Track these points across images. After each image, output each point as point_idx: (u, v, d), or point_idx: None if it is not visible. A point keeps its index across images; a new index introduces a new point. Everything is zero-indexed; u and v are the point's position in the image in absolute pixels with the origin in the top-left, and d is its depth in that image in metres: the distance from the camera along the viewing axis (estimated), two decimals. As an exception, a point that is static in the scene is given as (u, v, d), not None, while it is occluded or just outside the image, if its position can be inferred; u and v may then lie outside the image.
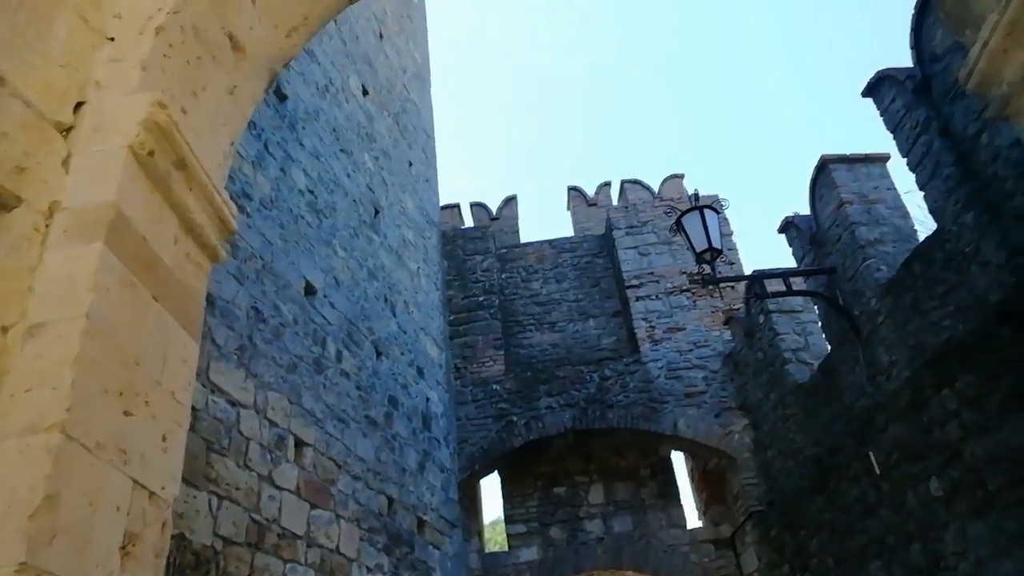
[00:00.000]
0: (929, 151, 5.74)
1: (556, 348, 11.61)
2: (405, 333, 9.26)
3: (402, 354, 8.97)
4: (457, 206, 13.54)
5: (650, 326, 10.98)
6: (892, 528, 6.21)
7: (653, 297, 11.24)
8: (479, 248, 12.08)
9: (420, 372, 9.42)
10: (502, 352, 11.03)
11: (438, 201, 12.45)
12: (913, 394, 5.73)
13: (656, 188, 12.66)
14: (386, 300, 8.89)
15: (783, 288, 7.68)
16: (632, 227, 11.96)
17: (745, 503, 9.59)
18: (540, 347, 11.75)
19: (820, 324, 7.94)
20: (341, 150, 8.40)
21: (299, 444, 6.07)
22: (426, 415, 9.27)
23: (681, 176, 12.78)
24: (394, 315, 9.02)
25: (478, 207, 13.74)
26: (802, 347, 8.86)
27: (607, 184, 13.93)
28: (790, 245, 8.36)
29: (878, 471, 6.35)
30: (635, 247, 11.76)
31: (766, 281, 7.75)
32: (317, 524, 6.04)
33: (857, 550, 6.80)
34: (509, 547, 10.22)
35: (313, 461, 6.22)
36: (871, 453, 6.42)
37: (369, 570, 6.84)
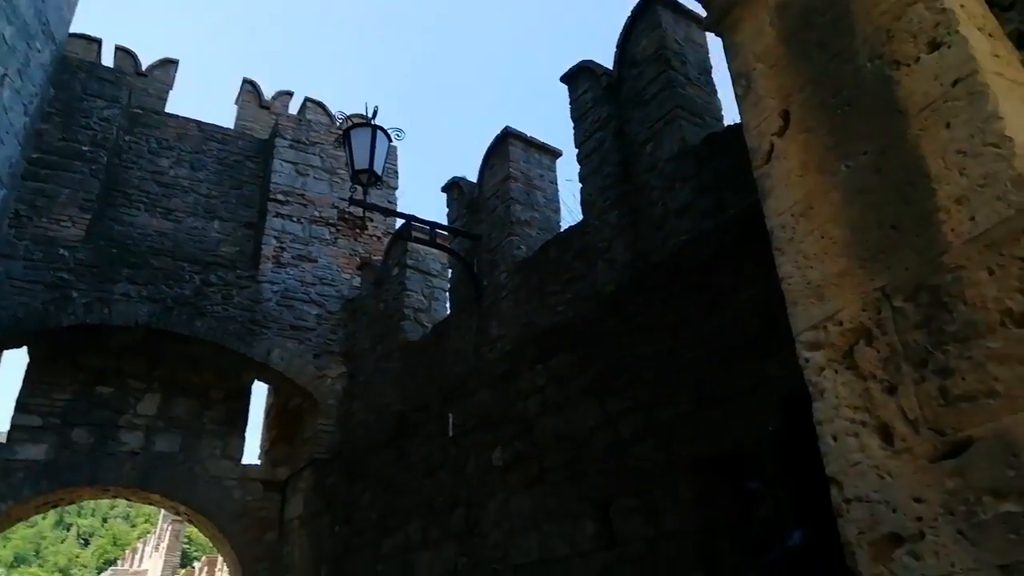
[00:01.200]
0: (600, 147, 5.97)
1: (163, 238, 9.86)
2: (-45, 132, 6.87)
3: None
4: (99, 42, 10.95)
5: (280, 246, 9.97)
6: (445, 490, 6.21)
7: (295, 219, 10.27)
8: (106, 92, 9.78)
9: (-41, 190, 7.07)
10: (88, 217, 8.95)
11: (70, 18, 9.87)
12: (509, 364, 5.81)
13: (339, 119, 11.74)
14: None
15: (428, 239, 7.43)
16: (299, 142, 10.86)
17: (313, 449, 9.08)
18: (143, 230, 9.86)
19: (448, 288, 7.87)
20: None
21: None
22: (-53, 245, 6.96)
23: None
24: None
25: (125, 53, 11.30)
26: (424, 308, 8.76)
27: (289, 93, 12.61)
28: (448, 206, 8.21)
29: (451, 433, 6.34)
30: (294, 163, 10.68)
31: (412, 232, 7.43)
32: None
33: (405, 508, 6.71)
34: (8, 440, 8.15)
35: None
36: (451, 415, 6.40)
37: None
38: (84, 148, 9.22)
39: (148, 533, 40.27)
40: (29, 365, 8.63)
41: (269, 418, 10.32)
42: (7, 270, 8.14)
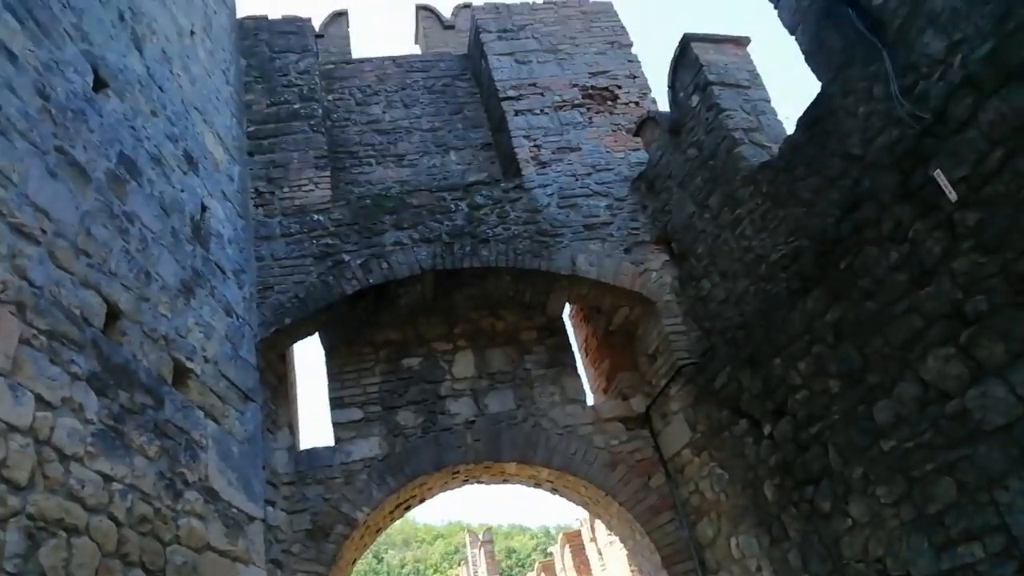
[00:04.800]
0: None
1: (405, 185, 8.41)
2: (163, 91, 5.68)
3: (154, 113, 5.40)
4: (265, 18, 9.88)
5: (535, 145, 8.11)
6: (980, 280, 3.75)
7: (537, 111, 8.38)
8: (293, 44, 8.57)
9: (191, 161, 5.88)
10: (327, 174, 7.67)
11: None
12: None
13: (534, -1, 9.73)
14: (122, 18, 5.26)
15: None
16: (506, 31, 9.01)
17: (669, 359, 7.01)
18: (383, 184, 8.50)
19: (806, 55, 5.39)
20: None
21: None
22: (201, 227, 5.78)
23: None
24: (139, 50, 5.41)
25: (292, 21, 10.15)
26: (755, 127, 6.38)
27: (468, 5, 10.87)
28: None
29: (953, 197, 3.86)
30: (511, 53, 8.82)
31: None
32: None
33: (898, 346, 4.32)
34: (337, 440, 6.93)
35: None
36: (938, 172, 3.92)
37: (45, 402, 3.36)
38: (296, 106, 8.01)
39: (460, 562, 41.31)
40: (327, 356, 7.43)
41: (589, 353, 8.45)
42: (272, 252, 6.97)
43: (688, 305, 7.06)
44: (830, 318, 4.86)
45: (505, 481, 7.63)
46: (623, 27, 9.23)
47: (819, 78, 5.25)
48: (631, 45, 9.09)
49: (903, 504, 4.42)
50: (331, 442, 6.93)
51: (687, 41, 6.69)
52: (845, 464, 4.84)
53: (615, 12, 9.34)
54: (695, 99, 6.71)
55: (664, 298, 7.17)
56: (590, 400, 7.82)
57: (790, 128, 5.92)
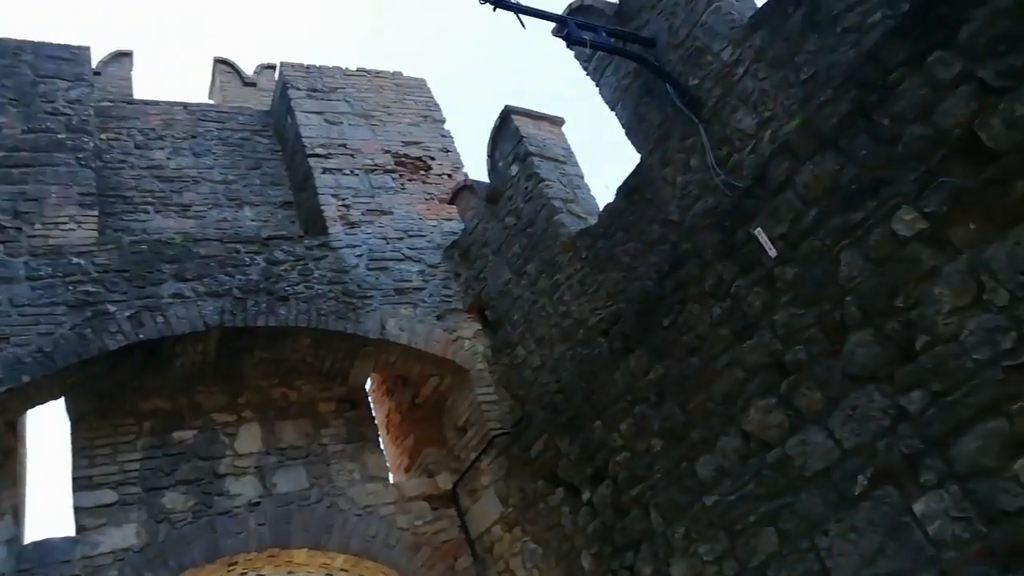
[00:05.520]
0: None
1: (190, 236, 7.44)
2: None
3: None
4: (30, 41, 8.57)
5: (343, 205, 7.67)
6: (798, 331, 3.98)
7: (347, 172, 8.00)
8: (65, 72, 7.44)
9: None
10: (95, 214, 6.55)
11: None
12: (876, 71, 3.62)
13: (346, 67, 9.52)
14: None
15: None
16: (316, 90, 8.64)
17: (480, 430, 6.70)
18: (161, 235, 7.45)
19: (626, 129, 5.68)
20: None
21: None
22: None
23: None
24: None
25: (65, 47, 8.92)
26: (572, 199, 6.58)
27: (272, 67, 10.35)
28: (570, 49, 6.06)
29: (773, 253, 4.13)
30: (320, 112, 8.44)
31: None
32: None
33: (721, 400, 4.42)
34: (79, 529, 5.54)
35: None
36: (759, 230, 4.19)
37: None
38: (60, 136, 6.86)
39: None
40: (74, 427, 6.06)
41: (396, 426, 7.87)
42: (10, 298, 5.65)
43: (501, 373, 6.88)
44: (653, 376, 4.91)
45: (291, 573, 6.62)
46: (436, 103, 9.31)
47: (638, 150, 5.55)
48: (444, 121, 9.17)
49: (726, 560, 4.41)
50: (72, 532, 5.52)
51: (508, 113, 6.83)
52: (667, 524, 4.78)
53: (428, 89, 9.43)
54: (514, 168, 6.79)
55: (477, 366, 6.92)
56: (393, 478, 7.18)
57: (603, 201, 6.19)
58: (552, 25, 5.51)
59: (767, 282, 4.16)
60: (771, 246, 4.15)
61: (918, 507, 3.47)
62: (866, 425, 3.67)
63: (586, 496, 5.45)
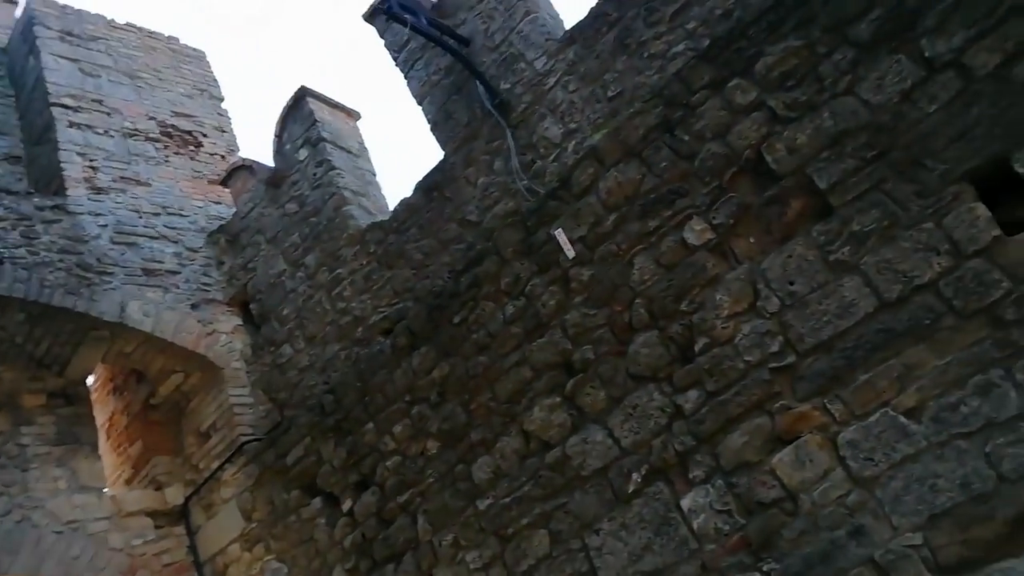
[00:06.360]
0: None
1: None
2: None
3: None
4: None
5: (90, 166, 6.56)
6: (588, 331, 4.03)
7: (100, 131, 6.89)
8: None
9: None
10: None
11: None
12: (682, 90, 3.86)
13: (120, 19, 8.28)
14: None
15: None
16: (72, 34, 7.40)
17: (229, 435, 5.93)
18: None
19: (432, 125, 5.53)
20: None
21: None
22: None
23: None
24: None
25: None
26: (363, 193, 6.26)
27: (12, 1, 8.74)
28: (383, 37, 5.86)
29: (571, 254, 4.18)
30: (75, 60, 7.23)
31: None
32: None
33: (505, 400, 4.31)
34: None
35: None
36: (559, 231, 4.23)
37: None
38: None
39: None
40: None
41: (120, 430, 6.70)
42: None
43: (261, 374, 6.19)
44: (437, 375, 4.69)
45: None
46: (216, 80, 8.46)
47: (442, 147, 5.43)
48: (223, 100, 8.35)
49: (493, 566, 4.25)
50: None
51: (303, 94, 6.37)
52: (435, 532, 4.52)
53: (208, 63, 8.54)
54: (303, 152, 6.31)
55: (232, 364, 6.18)
56: (110, 490, 6.06)
57: (392, 203, 5.96)
58: (369, 6, 5.31)
59: (563, 282, 4.20)
60: (570, 247, 4.21)
61: (686, 502, 3.61)
62: (644, 423, 3.79)
63: (347, 506, 5.01)
